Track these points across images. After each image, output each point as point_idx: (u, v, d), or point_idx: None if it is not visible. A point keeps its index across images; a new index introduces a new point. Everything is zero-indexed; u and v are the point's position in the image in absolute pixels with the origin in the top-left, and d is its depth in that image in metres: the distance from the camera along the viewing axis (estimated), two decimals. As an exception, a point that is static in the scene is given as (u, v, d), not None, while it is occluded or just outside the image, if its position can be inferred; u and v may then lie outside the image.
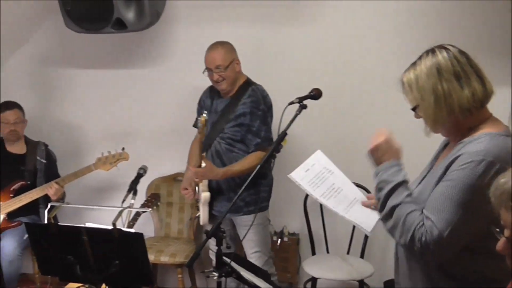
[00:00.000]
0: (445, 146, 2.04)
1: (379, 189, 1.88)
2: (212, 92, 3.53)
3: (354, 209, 2.16)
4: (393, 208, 1.81)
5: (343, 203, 2.17)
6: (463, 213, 1.69)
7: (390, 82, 3.79)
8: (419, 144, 3.78)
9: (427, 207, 1.76)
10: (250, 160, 3.27)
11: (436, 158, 2.04)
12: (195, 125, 3.64)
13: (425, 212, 1.75)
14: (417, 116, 1.90)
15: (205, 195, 3.33)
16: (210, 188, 3.36)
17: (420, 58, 1.88)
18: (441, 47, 1.87)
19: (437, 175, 1.82)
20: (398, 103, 3.77)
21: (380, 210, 1.87)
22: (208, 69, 3.34)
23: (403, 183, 1.84)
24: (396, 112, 3.86)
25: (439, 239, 1.69)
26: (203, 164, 3.28)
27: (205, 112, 3.07)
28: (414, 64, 1.89)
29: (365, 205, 2.19)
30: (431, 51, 1.87)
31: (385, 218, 1.85)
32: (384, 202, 1.85)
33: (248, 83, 3.44)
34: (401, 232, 1.77)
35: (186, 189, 3.47)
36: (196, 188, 3.44)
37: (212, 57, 3.31)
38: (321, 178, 2.24)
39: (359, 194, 2.26)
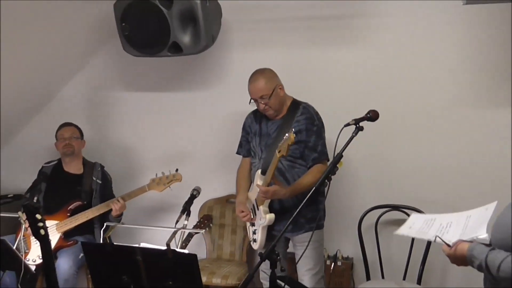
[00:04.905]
0: None
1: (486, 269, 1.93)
2: (258, 116, 3.54)
3: (471, 227, 2.13)
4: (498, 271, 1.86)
5: (460, 230, 2.15)
6: None
7: (443, 104, 3.80)
8: (476, 168, 3.73)
9: None
10: (313, 175, 3.28)
11: None
12: (238, 152, 3.67)
13: None
14: None
15: (270, 216, 3.29)
16: (272, 209, 3.34)
17: None
18: None
19: None
20: (450, 124, 3.78)
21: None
22: (253, 99, 3.38)
23: (486, 256, 1.90)
24: (450, 132, 3.81)
25: None
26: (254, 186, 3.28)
27: (292, 129, 3.06)
28: None
29: None
30: None
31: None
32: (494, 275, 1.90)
33: (297, 102, 3.46)
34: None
35: (243, 211, 3.46)
36: (255, 211, 3.43)
37: (255, 88, 3.34)
38: (427, 227, 2.27)
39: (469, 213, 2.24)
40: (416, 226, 2.30)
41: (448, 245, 2.03)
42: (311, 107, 3.44)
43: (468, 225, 2.12)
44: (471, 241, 1.98)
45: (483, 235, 1.99)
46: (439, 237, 2.08)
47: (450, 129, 3.82)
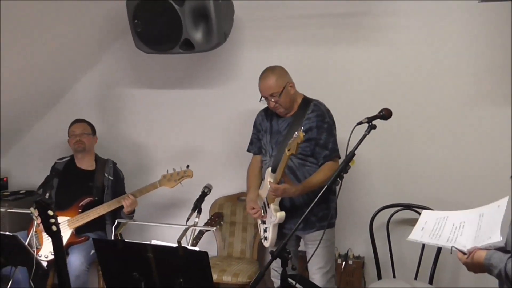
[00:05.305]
0: None
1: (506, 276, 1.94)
2: (268, 114, 3.52)
3: (485, 228, 2.10)
4: None
5: (473, 232, 2.12)
6: None
7: (457, 103, 3.77)
8: (489, 167, 3.70)
9: None
10: (323, 173, 3.25)
11: None
12: (249, 150, 3.66)
13: None
14: None
15: (281, 215, 3.27)
16: (283, 207, 3.33)
17: None
18: None
19: None
20: (464, 123, 3.75)
21: None
22: (263, 97, 3.36)
23: (505, 265, 1.90)
24: (462, 131, 3.79)
25: None
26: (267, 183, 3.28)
27: (302, 128, 3.02)
28: None
29: None
30: None
31: None
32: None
33: (307, 99, 3.44)
34: None
35: (254, 208, 3.45)
36: (266, 209, 3.42)
37: (265, 86, 3.32)
38: (440, 228, 2.24)
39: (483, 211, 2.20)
40: (428, 227, 2.27)
41: (464, 253, 2.01)
42: (322, 104, 3.42)
43: (482, 226, 2.09)
44: (487, 248, 1.96)
45: (497, 239, 1.96)
46: (455, 247, 2.05)
47: (463, 128, 3.79)
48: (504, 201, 2.06)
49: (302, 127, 3.04)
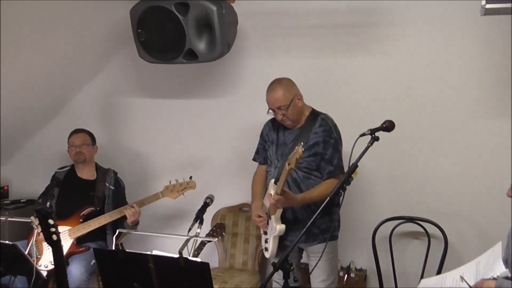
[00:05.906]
0: None
1: None
2: (275, 125, 3.51)
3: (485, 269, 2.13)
4: None
5: (473, 279, 2.13)
6: None
7: (460, 114, 3.76)
8: (492, 180, 3.67)
9: None
10: (325, 187, 3.22)
11: None
12: (254, 159, 3.64)
13: None
14: None
15: (280, 227, 3.25)
16: (285, 219, 3.30)
17: None
18: None
19: None
20: (467, 135, 3.74)
21: None
22: (271, 109, 3.35)
23: None
24: (466, 144, 3.77)
25: None
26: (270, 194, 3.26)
27: (301, 143, 3.00)
28: None
29: None
30: None
31: None
32: None
33: (315, 113, 3.42)
34: None
35: (260, 216, 3.42)
36: (267, 220, 3.39)
37: (273, 99, 3.30)
38: (441, 283, 2.28)
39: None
40: (430, 283, 2.33)
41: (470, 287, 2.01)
42: (330, 119, 3.40)
43: (481, 271, 2.11)
44: (494, 278, 1.96)
45: (501, 270, 1.98)
46: (463, 278, 2.06)
47: (466, 140, 3.77)
48: (498, 246, 2.09)
49: (302, 143, 3.02)
